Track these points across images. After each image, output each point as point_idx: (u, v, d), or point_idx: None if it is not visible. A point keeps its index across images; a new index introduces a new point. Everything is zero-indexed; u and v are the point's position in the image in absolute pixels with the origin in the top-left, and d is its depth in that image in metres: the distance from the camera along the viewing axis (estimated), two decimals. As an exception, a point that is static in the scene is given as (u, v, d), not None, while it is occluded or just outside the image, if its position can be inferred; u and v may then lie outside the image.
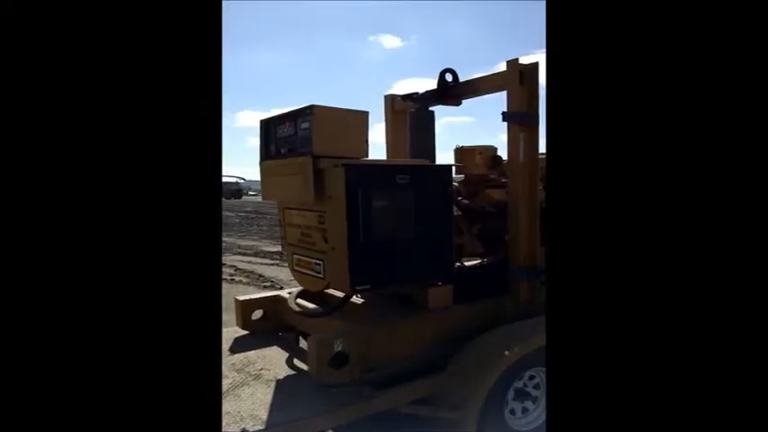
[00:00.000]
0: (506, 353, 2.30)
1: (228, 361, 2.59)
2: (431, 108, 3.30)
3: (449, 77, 3.29)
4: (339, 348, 2.25)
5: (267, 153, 2.78)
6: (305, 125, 2.42)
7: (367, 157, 2.50)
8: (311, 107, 2.35)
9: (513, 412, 2.45)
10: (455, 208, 3.15)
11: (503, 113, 2.80)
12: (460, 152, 3.44)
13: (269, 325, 3.11)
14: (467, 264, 3.15)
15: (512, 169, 2.87)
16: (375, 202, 2.30)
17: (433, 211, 2.55)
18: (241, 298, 3.12)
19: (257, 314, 3.13)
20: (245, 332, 3.06)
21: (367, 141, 2.50)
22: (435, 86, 3.30)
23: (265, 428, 1.88)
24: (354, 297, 3.05)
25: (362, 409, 2.19)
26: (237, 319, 3.08)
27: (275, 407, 2.08)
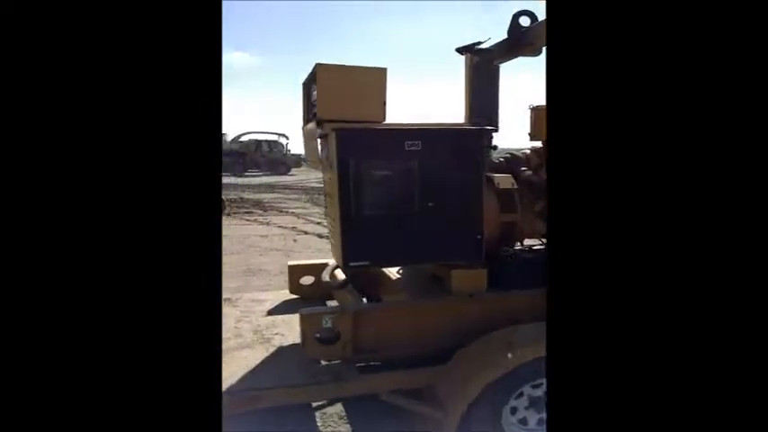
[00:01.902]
0: (510, 354, 1.91)
1: (256, 322, 2.68)
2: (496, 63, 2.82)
3: (524, 21, 2.76)
4: (327, 325, 2.14)
5: (305, 116, 2.71)
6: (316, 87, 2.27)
7: (383, 120, 2.25)
8: (315, 66, 2.19)
9: (524, 422, 2.06)
10: (513, 180, 2.69)
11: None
12: (535, 113, 2.89)
13: (318, 292, 3.12)
14: (520, 247, 2.70)
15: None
16: (373, 172, 2.07)
17: (456, 182, 2.20)
18: (291, 263, 3.19)
19: (307, 280, 3.17)
20: (296, 296, 3.13)
21: (384, 103, 2.24)
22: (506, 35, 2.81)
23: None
24: (390, 272, 2.88)
25: (337, 390, 2.07)
26: (289, 284, 3.16)
27: (255, 372, 2.09)
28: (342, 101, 2.18)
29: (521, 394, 2.04)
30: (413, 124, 2.20)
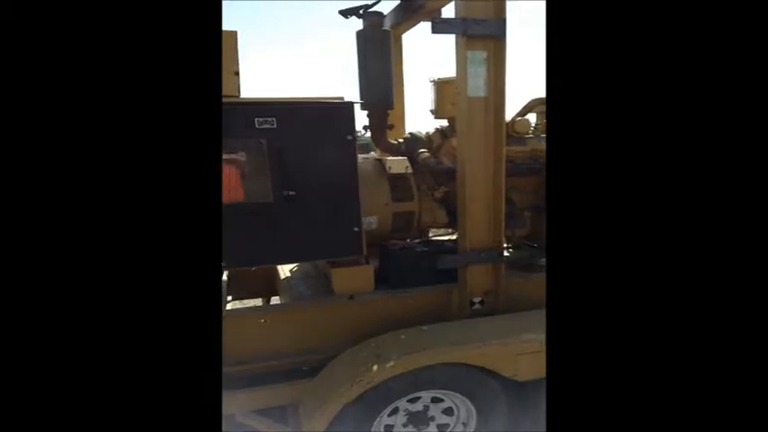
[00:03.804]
0: (375, 367, 1.60)
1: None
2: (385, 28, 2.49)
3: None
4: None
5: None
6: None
7: (237, 94, 1.89)
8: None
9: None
10: (408, 164, 2.38)
11: (433, 22, 1.92)
12: (439, 87, 2.59)
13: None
14: (419, 240, 2.40)
15: (461, 108, 2.00)
16: (215, 156, 1.72)
17: (321, 166, 1.88)
18: None
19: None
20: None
21: (237, 73, 1.89)
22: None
23: None
24: (283, 270, 2.56)
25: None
26: None
27: None
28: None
29: (395, 410, 1.74)
30: (265, 98, 1.85)
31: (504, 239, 2.13)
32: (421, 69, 2.87)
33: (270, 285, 2.75)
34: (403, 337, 1.78)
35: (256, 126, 1.78)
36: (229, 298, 2.44)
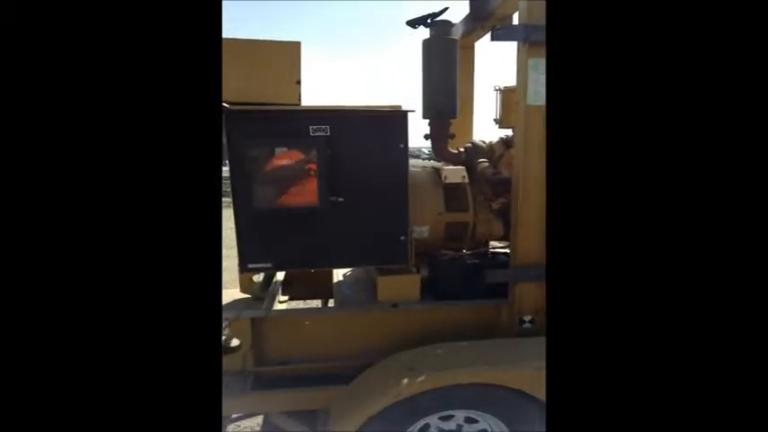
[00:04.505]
0: (405, 380, 1.59)
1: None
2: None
3: (489, -9, 2.38)
4: (224, 333, 1.91)
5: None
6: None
7: (298, 102, 1.98)
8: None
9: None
10: (465, 174, 2.33)
11: (493, 30, 1.86)
12: (503, 95, 2.51)
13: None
14: (472, 251, 2.34)
15: (520, 116, 1.92)
16: (269, 161, 1.81)
17: (372, 174, 1.90)
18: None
19: (259, 278, 2.96)
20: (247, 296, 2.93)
21: (299, 82, 1.97)
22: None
23: None
24: (337, 274, 2.61)
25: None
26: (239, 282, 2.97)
27: None
28: (246, 80, 1.93)
29: (426, 427, 1.71)
30: (320, 106, 1.91)
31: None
32: (496, 79, 2.80)
33: (326, 288, 2.83)
34: (439, 351, 1.75)
35: (310, 133, 1.84)
36: (285, 298, 2.54)
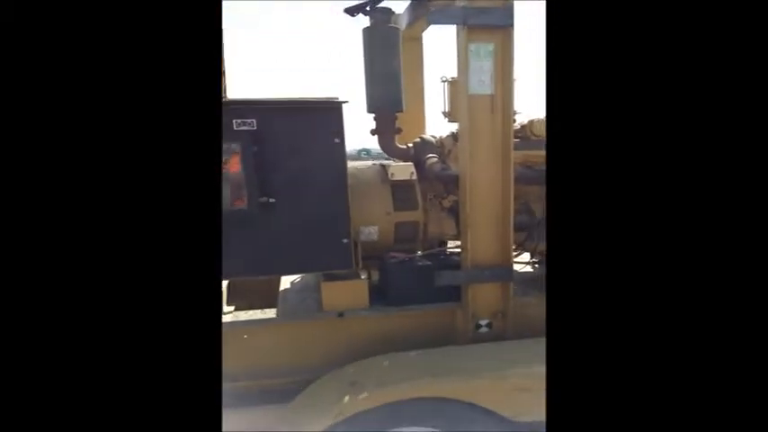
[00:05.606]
0: (346, 398, 1.42)
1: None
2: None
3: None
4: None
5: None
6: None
7: (224, 95, 1.79)
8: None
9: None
10: (413, 170, 2.18)
11: (428, 12, 1.72)
12: (451, 87, 2.38)
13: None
14: (424, 253, 2.19)
15: (462, 107, 1.78)
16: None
17: (306, 172, 1.73)
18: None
19: None
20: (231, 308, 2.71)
21: (222, 74, 1.79)
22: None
23: None
24: (283, 282, 2.43)
25: None
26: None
27: None
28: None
29: (374, 449, 1.54)
30: (245, 99, 1.73)
31: (512, 255, 1.88)
32: (450, 71, 2.67)
33: (273, 296, 2.64)
34: (386, 363, 1.59)
35: (234, 128, 1.66)
36: (230, 309, 2.34)
